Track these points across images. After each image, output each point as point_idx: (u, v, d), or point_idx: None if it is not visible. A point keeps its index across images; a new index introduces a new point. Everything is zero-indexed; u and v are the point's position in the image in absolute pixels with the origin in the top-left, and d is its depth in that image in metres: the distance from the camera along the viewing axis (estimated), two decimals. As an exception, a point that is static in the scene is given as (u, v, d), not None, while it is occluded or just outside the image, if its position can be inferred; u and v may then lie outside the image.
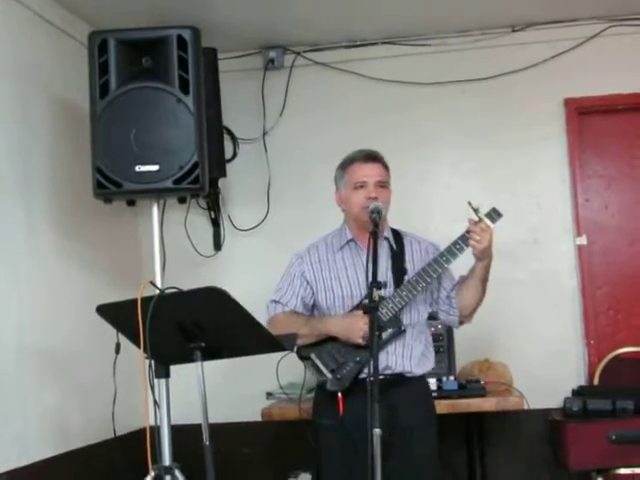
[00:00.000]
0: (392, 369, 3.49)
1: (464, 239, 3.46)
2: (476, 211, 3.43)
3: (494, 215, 3.45)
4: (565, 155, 4.98)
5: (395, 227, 3.72)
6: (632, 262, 5.01)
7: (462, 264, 3.58)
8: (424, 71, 5.05)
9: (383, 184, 3.55)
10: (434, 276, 3.49)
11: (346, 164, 3.63)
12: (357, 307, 3.49)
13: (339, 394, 3.42)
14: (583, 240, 4.92)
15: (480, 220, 3.42)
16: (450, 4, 4.63)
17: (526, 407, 4.28)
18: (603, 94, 4.91)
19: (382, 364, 3.40)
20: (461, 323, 3.74)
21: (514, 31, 5.01)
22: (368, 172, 3.54)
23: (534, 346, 4.82)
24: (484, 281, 3.54)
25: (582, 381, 4.82)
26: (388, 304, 3.45)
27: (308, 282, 3.64)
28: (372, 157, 3.59)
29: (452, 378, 4.38)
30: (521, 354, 4.78)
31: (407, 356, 3.53)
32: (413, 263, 3.62)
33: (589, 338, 4.87)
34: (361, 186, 3.53)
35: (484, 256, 3.45)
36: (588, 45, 4.92)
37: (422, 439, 3.49)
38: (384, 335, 3.45)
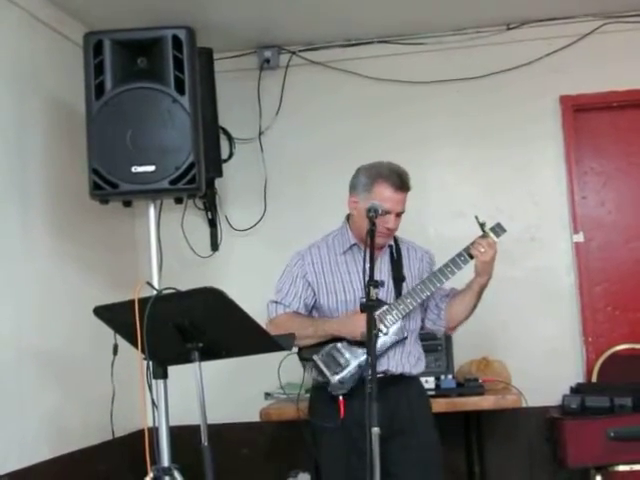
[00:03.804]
0: (392, 372, 3.53)
1: (468, 251, 3.52)
2: (482, 226, 3.50)
3: (498, 230, 3.54)
4: (561, 152, 4.98)
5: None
6: (629, 259, 5.01)
7: (459, 278, 3.62)
8: (419, 70, 5.05)
9: (402, 213, 3.56)
10: (438, 285, 3.55)
11: (375, 178, 3.52)
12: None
13: (340, 397, 3.42)
14: (580, 237, 4.93)
15: (486, 235, 3.49)
16: (445, 2, 4.62)
17: (524, 405, 4.29)
18: (599, 91, 4.91)
19: (382, 367, 3.47)
20: (444, 334, 3.84)
21: (509, 29, 5.00)
22: (396, 202, 3.50)
23: (532, 344, 4.82)
24: (478, 297, 3.61)
25: (580, 378, 4.81)
26: (392, 311, 3.49)
27: (310, 284, 3.63)
28: (405, 187, 3.52)
29: (450, 377, 4.39)
30: (519, 352, 4.79)
31: (405, 360, 3.57)
32: (410, 270, 3.67)
33: (587, 335, 4.87)
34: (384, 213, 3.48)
35: (485, 270, 3.51)
36: (583, 42, 4.92)
37: (425, 431, 3.55)
38: (388, 341, 3.49)
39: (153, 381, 3.18)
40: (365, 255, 3.25)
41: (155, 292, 3.08)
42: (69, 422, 4.15)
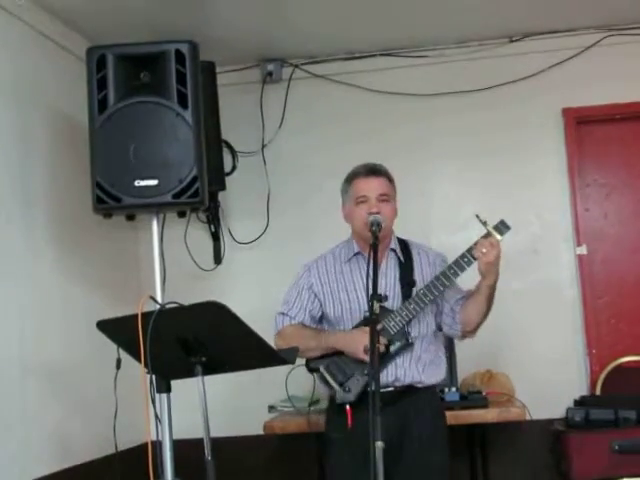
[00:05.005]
0: (401, 381, 3.48)
1: (471, 252, 3.41)
2: (484, 224, 3.39)
3: (502, 228, 3.41)
4: (564, 165, 4.98)
5: (403, 237, 3.70)
6: (633, 271, 5.01)
7: (470, 278, 3.55)
8: (422, 82, 5.06)
9: (385, 197, 3.52)
10: (442, 289, 3.46)
11: (350, 179, 3.61)
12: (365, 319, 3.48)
13: (347, 406, 3.39)
14: (583, 250, 4.92)
15: (489, 234, 3.38)
16: (448, 15, 4.64)
17: (528, 418, 4.27)
18: (601, 103, 4.92)
19: (391, 377, 3.45)
20: (463, 337, 3.67)
21: (512, 41, 5.02)
22: (370, 186, 3.52)
23: (536, 356, 4.82)
24: (489, 299, 3.48)
25: (584, 391, 4.81)
26: (395, 317, 3.44)
27: (316, 294, 3.62)
28: (374, 171, 3.56)
29: (454, 389, 4.36)
30: (523, 364, 4.77)
31: (415, 367, 3.51)
32: (422, 275, 3.59)
33: (591, 347, 4.86)
34: (363, 201, 3.50)
35: (489, 272, 3.39)
36: (586, 55, 4.93)
37: (434, 448, 3.48)
38: (392, 348, 3.44)
39: (156, 395, 3.17)
40: (368, 267, 3.25)
41: (158, 306, 3.08)
42: (72, 436, 4.15)
